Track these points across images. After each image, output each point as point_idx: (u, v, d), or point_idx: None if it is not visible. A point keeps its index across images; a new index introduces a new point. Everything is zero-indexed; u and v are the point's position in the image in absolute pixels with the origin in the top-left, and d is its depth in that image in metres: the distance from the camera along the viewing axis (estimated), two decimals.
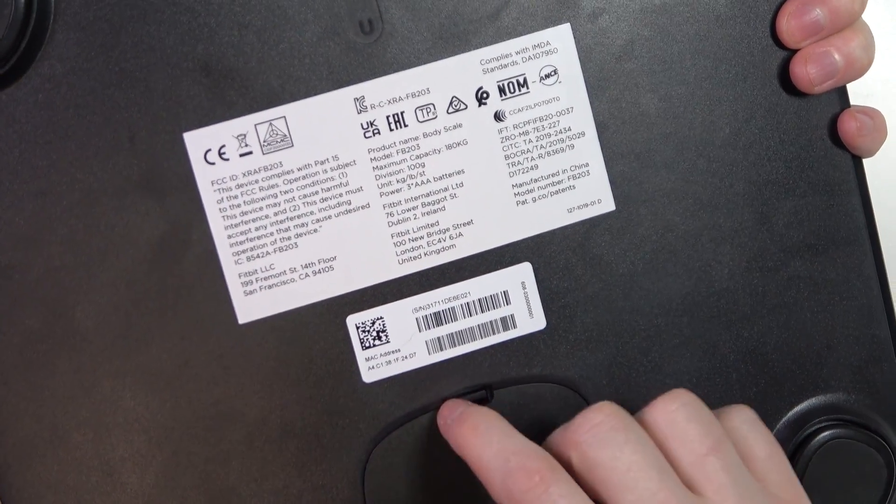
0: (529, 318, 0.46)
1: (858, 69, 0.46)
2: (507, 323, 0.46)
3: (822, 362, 0.48)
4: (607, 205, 0.46)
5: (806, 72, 0.45)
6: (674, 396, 0.40)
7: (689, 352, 0.47)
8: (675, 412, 0.40)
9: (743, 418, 0.42)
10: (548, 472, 0.38)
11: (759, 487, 0.39)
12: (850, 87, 0.47)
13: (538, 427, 0.46)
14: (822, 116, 0.47)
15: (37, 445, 0.44)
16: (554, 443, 0.40)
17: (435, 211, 0.45)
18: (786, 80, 0.46)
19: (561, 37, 0.45)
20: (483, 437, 0.40)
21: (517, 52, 0.45)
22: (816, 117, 0.47)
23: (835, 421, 0.48)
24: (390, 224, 0.45)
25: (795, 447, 0.48)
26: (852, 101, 0.47)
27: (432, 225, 0.45)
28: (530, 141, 0.45)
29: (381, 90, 0.44)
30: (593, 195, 0.46)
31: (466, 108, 0.45)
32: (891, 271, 0.49)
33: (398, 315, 0.45)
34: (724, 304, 0.47)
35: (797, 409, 0.48)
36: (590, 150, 0.46)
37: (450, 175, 0.45)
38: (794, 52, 0.46)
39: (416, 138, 0.45)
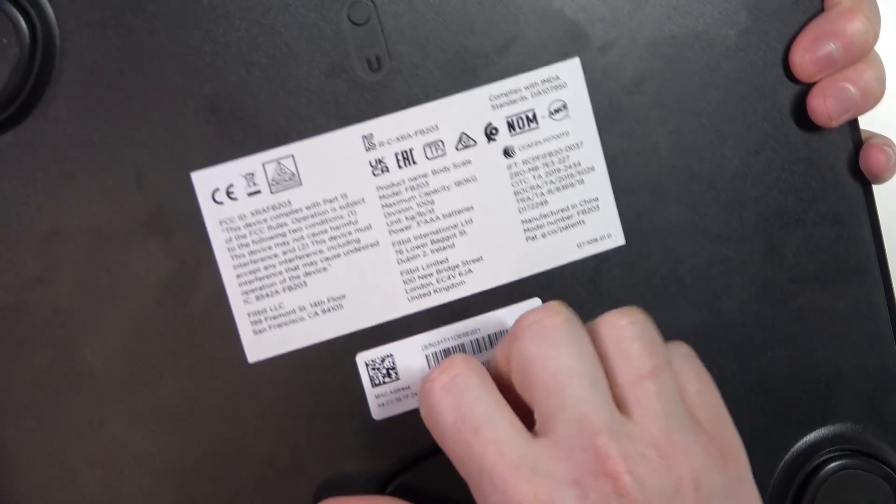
0: None
1: (873, 101, 0.46)
2: None
3: (832, 392, 0.48)
4: (617, 239, 0.46)
5: (825, 106, 0.45)
6: (625, 312, 0.39)
7: None
8: (623, 328, 0.39)
9: (680, 352, 0.41)
10: (459, 361, 0.38)
11: (691, 421, 0.38)
12: None
13: None
14: (832, 147, 0.47)
15: (47, 485, 0.44)
16: (502, 340, 0.40)
17: (444, 248, 0.45)
18: (796, 112, 0.46)
19: (570, 71, 0.45)
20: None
21: (526, 88, 0.45)
22: (826, 147, 0.46)
23: (844, 451, 0.48)
24: (399, 262, 0.45)
25: (804, 478, 0.48)
26: None
27: (441, 262, 0.45)
28: (540, 176, 0.45)
29: (390, 127, 0.44)
30: (603, 230, 0.46)
31: (475, 144, 0.45)
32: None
33: (408, 352, 0.45)
34: (734, 336, 0.47)
35: (806, 439, 0.48)
36: (599, 185, 0.45)
37: (459, 212, 0.45)
38: (804, 84, 0.46)
39: (425, 175, 0.44)
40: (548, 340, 0.38)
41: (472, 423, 0.37)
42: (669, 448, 0.36)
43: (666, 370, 0.38)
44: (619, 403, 0.37)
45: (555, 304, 0.39)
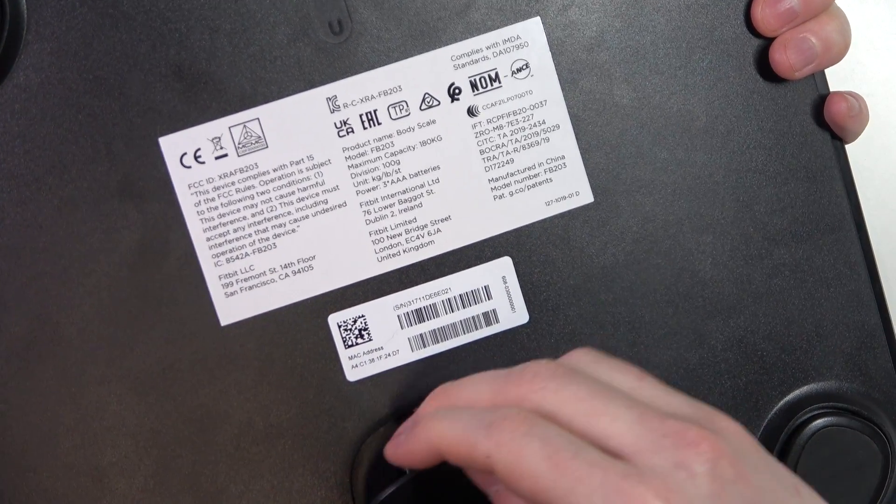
0: (512, 312, 0.46)
1: (836, 53, 0.46)
2: (489, 318, 0.46)
3: (812, 350, 0.47)
4: (585, 197, 0.46)
5: (786, 58, 0.45)
6: (572, 352, 0.39)
7: (676, 343, 0.47)
8: (582, 358, 0.39)
9: (585, 357, 0.40)
10: (522, 413, 0.37)
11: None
12: (852, 87, 0.47)
13: None
14: (800, 102, 0.47)
15: (26, 453, 0.45)
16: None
17: (412, 208, 0.45)
18: (762, 66, 0.46)
19: (531, 30, 0.45)
20: (448, 419, 0.39)
21: (488, 47, 0.45)
22: (795, 103, 0.47)
23: (827, 409, 0.47)
24: (368, 222, 0.45)
25: (788, 435, 0.47)
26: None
27: (410, 222, 0.45)
28: (505, 135, 0.45)
29: (353, 89, 0.45)
30: (571, 187, 0.46)
31: (439, 104, 0.45)
32: (888, 262, 0.48)
33: (379, 313, 0.46)
34: (709, 294, 0.47)
35: (788, 397, 0.47)
36: (565, 143, 0.46)
37: (425, 171, 0.45)
38: (769, 38, 0.46)
39: (390, 136, 0.45)
40: (561, 381, 0.37)
41: (569, 451, 0.36)
42: (705, 416, 0.37)
43: (646, 373, 0.38)
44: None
45: (538, 361, 0.38)
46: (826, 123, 0.47)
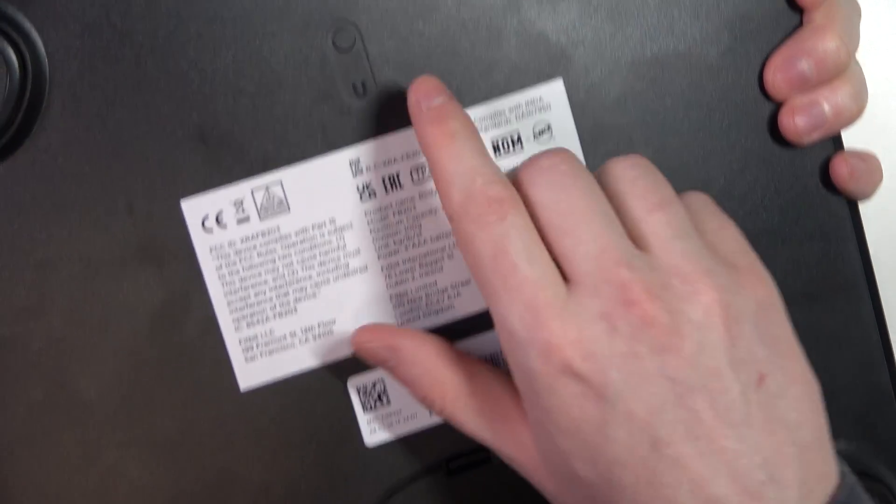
0: None
1: (848, 118, 0.46)
2: None
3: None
4: None
5: (793, 123, 0.45)
6: (626, 157, 0.40)
7: None
8: (625, 169, 0.40)
9: (697, 198, 0.42)
10: (509, 201, 0.38)
11: (708, 249, 0.38)
12: None
13: None
14: (815, 163, 0.47)
15: None
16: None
17: (433, 271, 0.45)
18: (776, 130, 0.46)
19: (553, 93, 0.45)
20: (455, 148, 0.39)
21: (510, 110, 0.45)
22: (810, 164, 0.47)
23: None
24: (389, 286, 0.45)
25: None
26: None
27: (431, 285, 0.45)
28: None
29: (376, 152, 0.44)
30: None
31: None
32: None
33: None
34: None
35: None
36: None
37: (446, 235, 0.45)
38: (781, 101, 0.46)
39: (412, 199, 0.45)
40: (557, 185, 0.38)
41: (517, 258, 0.37)
42: (692, 273, 0.37)
43: (674, 203, 0.39)
44: (636, 241, 0.38)
45: (560, 150, 0.40)
46: None
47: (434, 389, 0.42)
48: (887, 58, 0.49)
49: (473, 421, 0.41)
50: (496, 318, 0.38)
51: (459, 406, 0.42)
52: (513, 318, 0.37)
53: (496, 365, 0.44)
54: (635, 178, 0.39)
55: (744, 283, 0.38)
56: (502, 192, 0.38)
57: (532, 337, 0.36)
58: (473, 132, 0.40)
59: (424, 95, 0.41)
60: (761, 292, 0.38)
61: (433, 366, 0.42)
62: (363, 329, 0.44)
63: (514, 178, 0.40)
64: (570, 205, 0.38)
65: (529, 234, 0.38)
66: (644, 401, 0.35)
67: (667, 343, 0.36)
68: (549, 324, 0.36)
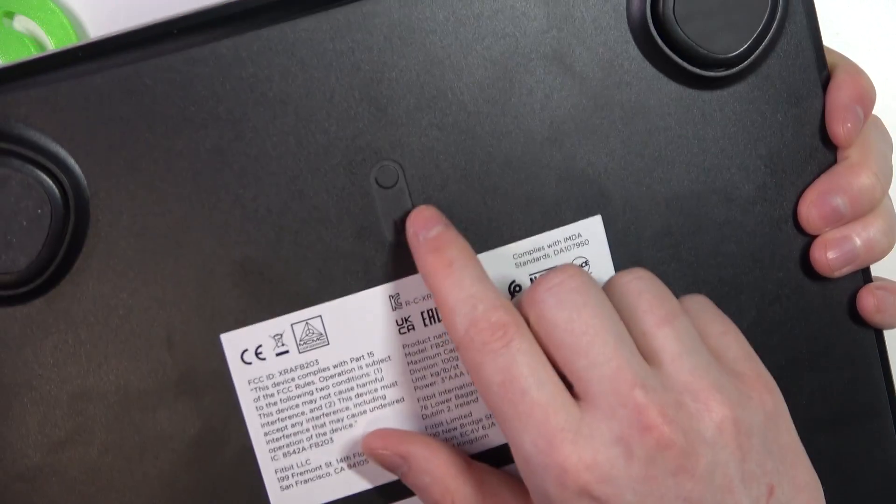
0: None
1: (879, 253, 0.47)
2: None
3: None
4: None
5: (825, 258, 0.46)
6: (629, 271, 0.41)
7: None
8: (629, 283, 0.40)
9: (697, 301, 0.43)
10: (513, 326, 0.38)
11: (715, 360, 0.39)
12: None
13: None
14: (844, 294, 0.47)
15: None
16: (515, 303, 0.40)
17: (468, 402, 0.46)
18: (807, 262, 0.47)
19: (592, 228, 0.45)
20: (455, 276, 0.40)
21: (549, 245, 0.45)
22: (839, 295, 0.47)
23: None
24: (424, 416, 0.45)
25: None
26: None
27: (466, 416, 0.46)
28: None
29: (416, 287, 0.45)
30: None
31: None
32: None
33: None
34: None
35: None
36: None
37: None
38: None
39: None
40: (568, 303, 0.39)
41: (526, 383, 0.38)
42: (703, 390, 0.38)
43: (680, 316, 0.40)
44: (645, 354, 0.39)
45: (569, 267, 0.40)
46: None
47: (444, 498, 0.43)
48: (887, 58, 0.49)
49: None
50: (511, 444, 0.39)
51: None
52: (526, 444, 0.37)
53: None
54: (641, 291, 0.40)
55: (751, 393, 0.39)
56: (504, 318, 0.39)
57: (547, 462, 0.37)
58: (472, 258, 0.41)
59: (422, 226, 0.42)
60: (768, 401, 0.40)
61: (443, 474, 0.43)
62: (375, 434, 0.44)
63: (525, 298, 0.40)
64: (584, 324, 0.38)
65: (536, 358, 0.38)
66: None
67: (682, 464, 0.37)
68: (563, 448, 0.37)
